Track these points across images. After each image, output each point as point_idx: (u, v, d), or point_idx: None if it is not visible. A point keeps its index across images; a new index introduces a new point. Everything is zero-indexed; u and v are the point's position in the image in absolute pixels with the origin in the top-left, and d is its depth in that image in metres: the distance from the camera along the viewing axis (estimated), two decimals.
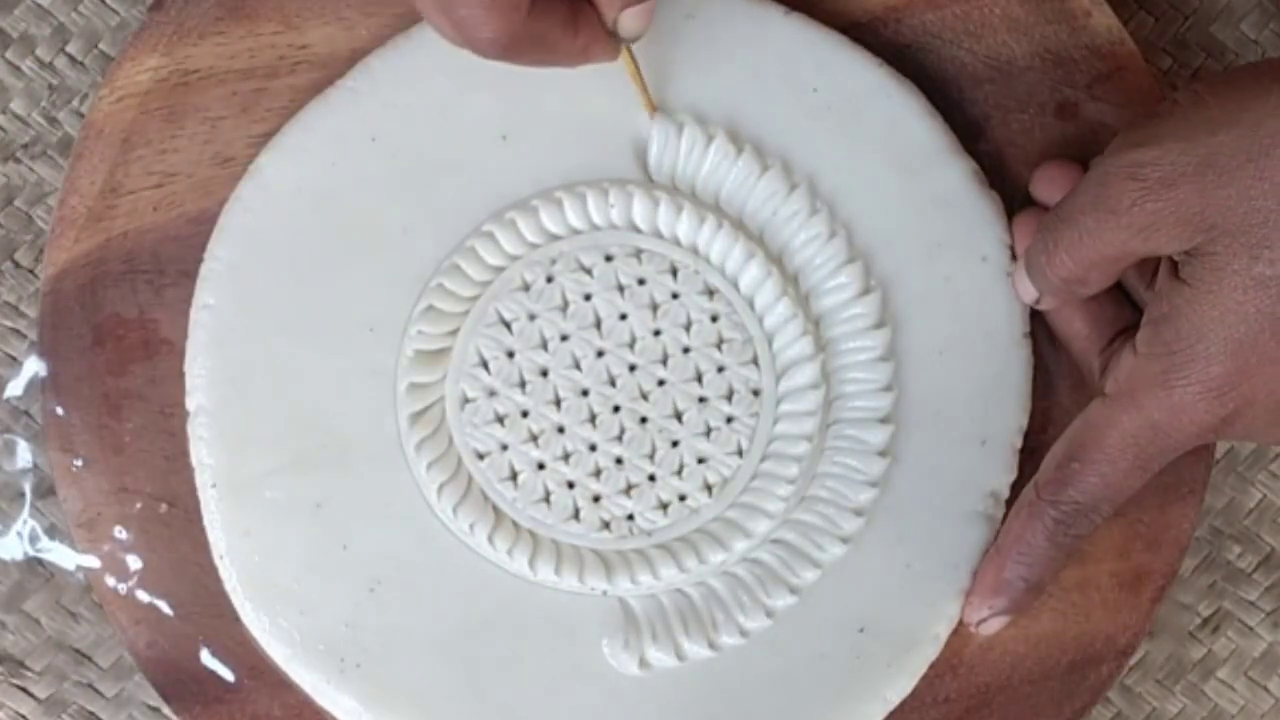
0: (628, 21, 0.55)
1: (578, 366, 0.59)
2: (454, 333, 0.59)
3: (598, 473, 0.59)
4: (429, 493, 0.59)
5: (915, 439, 0.59)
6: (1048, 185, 0.59)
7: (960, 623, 0.59)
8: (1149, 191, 0.52)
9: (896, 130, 0.60)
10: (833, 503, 0.59)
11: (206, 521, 0.59)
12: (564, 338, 0.59)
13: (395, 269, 0.59)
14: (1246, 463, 0.64)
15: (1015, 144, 0.61)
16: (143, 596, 0.60)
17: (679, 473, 0.59)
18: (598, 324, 0.59)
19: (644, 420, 0.59)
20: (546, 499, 0.59)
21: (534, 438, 0.59)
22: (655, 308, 0.59)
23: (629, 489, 0.59)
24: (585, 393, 0.59)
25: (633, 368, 0.59)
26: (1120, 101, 0.60)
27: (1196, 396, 0.53)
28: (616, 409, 0.59)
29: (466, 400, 0.59)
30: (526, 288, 0.59)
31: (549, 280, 0.59)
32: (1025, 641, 0.60)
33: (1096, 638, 0.60)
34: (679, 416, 0.59)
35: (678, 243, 0.59)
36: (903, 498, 0.59)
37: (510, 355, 0.59)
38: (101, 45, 0.63)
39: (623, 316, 0.59)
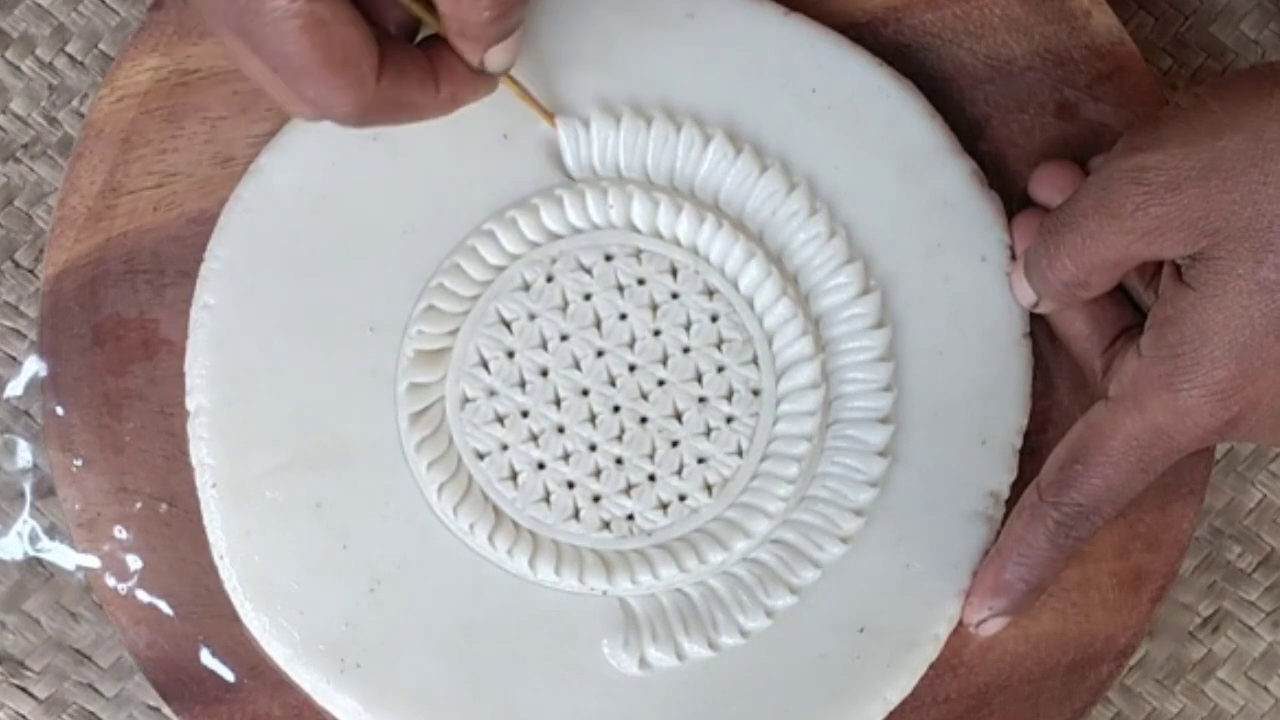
0: (495, 57, 0.54)
1: (578, 366, 0.59)
2: (454, 332, 0.59)
3: (598, 473, 0.59)
4: (429, 493, 0.59)
5: (915, 439, 0.59)
6: (1046, 185, 0.59)
7: (960, 623, 0.59)
8: (1153, 196, 0.52)
9: (896, 130, 0.60)
10: (833, 503, 0.59)
11: (206, 521, 0.59)
12: (564, 337, 0.59)
13: (395, 269, 0.59)
14: (1246, 463, 0.64)
15: (1015, 144, 0.61)
16: (143, 596, 0.59)
17: (679, 473, 0.59)
18: (598, 324, 0.59)
19: (644, 420, 0.59)
20: (546, 499, 0.59)
21: (534, 437, 0.59)
22: (655, 308, 0.59)
23: (629, 489, 0.59)
24: (585, 392, 0.59)
25: (633, 368, 0.59)
26: (1120, 101, 0.60)
27: (1201, 400, 0.53)
28: (616, 409, 0.59)
29: (466, 400, 0.59)
30: (526, 287, 0.59)
31: (549, 280, 0.59)
32: (1025, 641, 0.60)
33: (1096, 638, 0.60)
34: (679, 416, 0.59)
35: (678, 243, 0.59)
36: (903, 498, 0.59)
37: (510, 355, 0.59)
38: (101, 45, 0.63)
39: (623, 316, 0.59)
